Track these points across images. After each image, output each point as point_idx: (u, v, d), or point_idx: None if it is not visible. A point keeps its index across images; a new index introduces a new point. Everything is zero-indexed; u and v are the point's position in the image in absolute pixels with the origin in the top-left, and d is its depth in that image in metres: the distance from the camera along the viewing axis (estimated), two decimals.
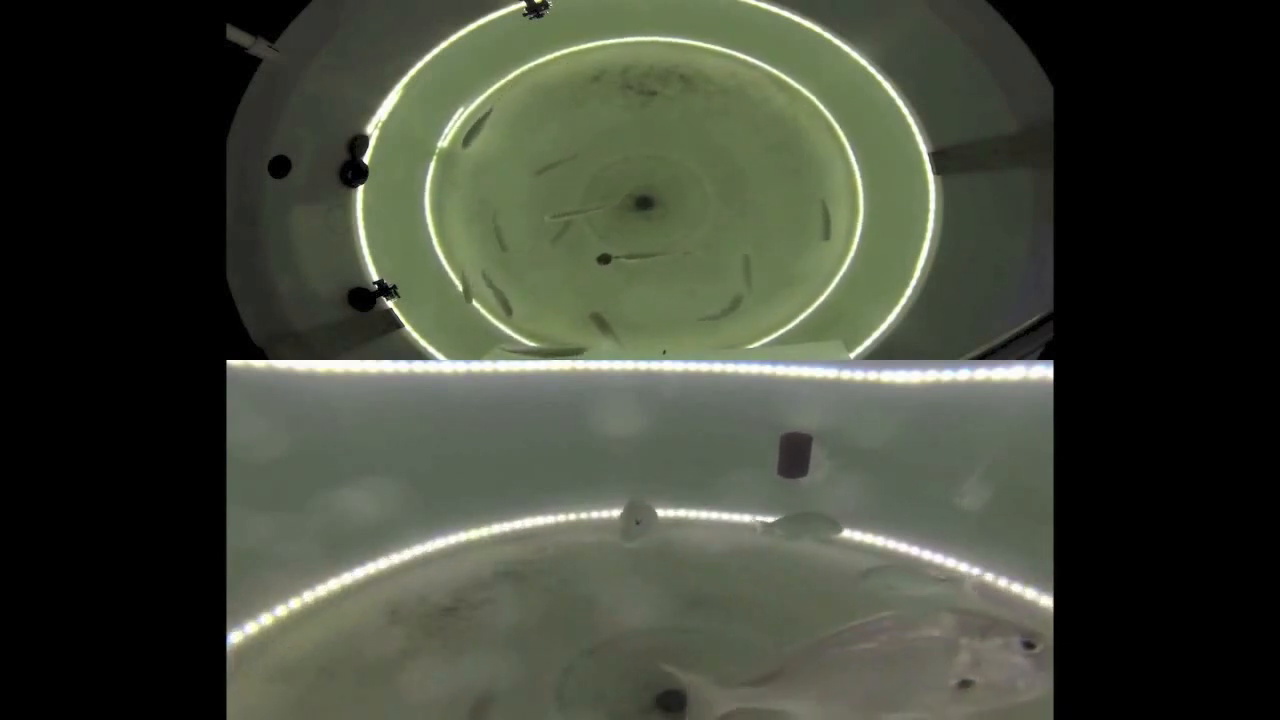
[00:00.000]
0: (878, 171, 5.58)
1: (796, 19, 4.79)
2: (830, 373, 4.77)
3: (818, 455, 3.87)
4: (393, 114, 4.95)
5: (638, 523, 3.83)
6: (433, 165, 5.74)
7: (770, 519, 4.07)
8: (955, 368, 4.33)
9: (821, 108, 5.64)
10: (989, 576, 4.57)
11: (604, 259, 5.84)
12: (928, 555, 4.74)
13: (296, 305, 4.74)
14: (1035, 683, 2.42)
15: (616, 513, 5.08)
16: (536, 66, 5.67)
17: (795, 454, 4.40)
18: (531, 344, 5.93)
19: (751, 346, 5.87)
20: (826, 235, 5.74)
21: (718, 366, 5.12)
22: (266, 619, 4.09)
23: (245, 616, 4.02)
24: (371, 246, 5.04)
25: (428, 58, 4.86)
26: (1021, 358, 2.94)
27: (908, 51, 4.66)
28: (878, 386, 4.58)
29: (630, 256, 5.83)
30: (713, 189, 5.84)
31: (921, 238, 4.93)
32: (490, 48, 5.06)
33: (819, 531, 3.87)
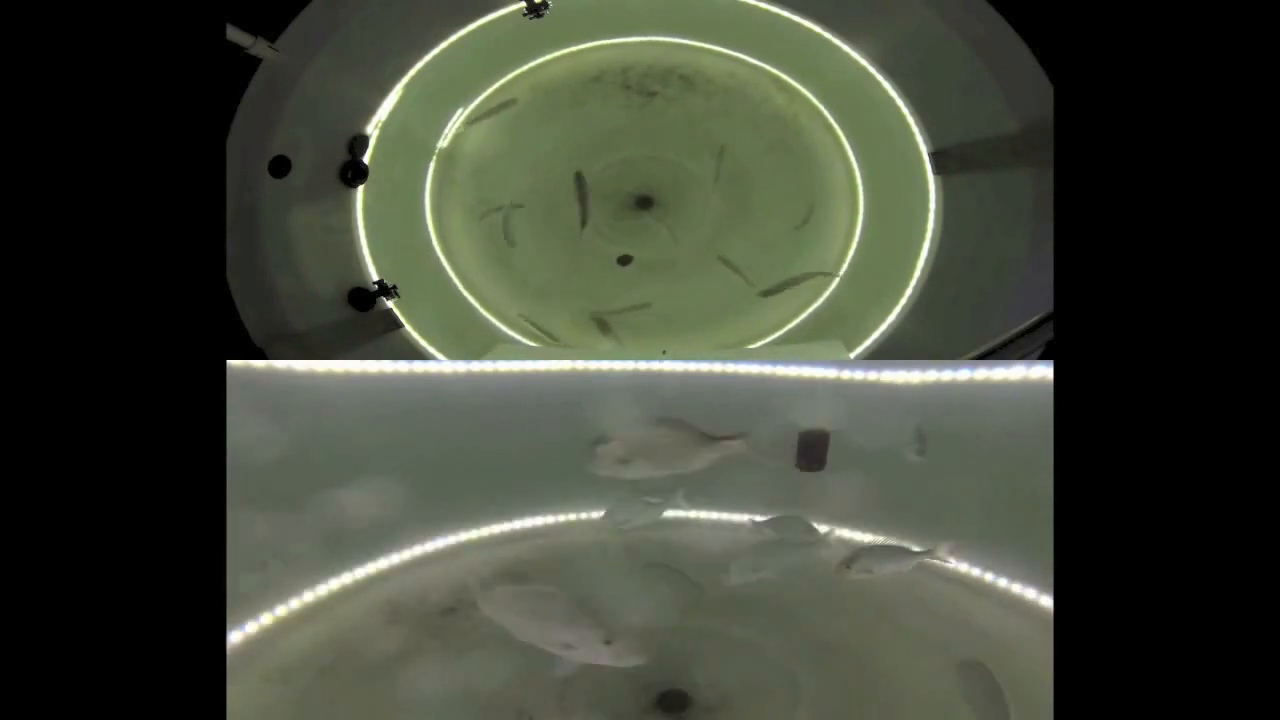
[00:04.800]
0: (878, 171, 5.58)
1: (796, 19, 4.78)
2: (830, 373, 4.77)
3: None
4: (393, 114, 4.95)
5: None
6: (433, 165, 5.74)
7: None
8: (955, 368, 4.34)
9: (821, 108, 5.64)
10: (989, 576, 4.58)
11: (624, 260, 5.83)
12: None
13: (296, 305, 4.74)
14: None
15: None
16: (536, 66, 5.67)
17: (812, 447, 4.39)
18: (532, 344, 5.93)
19: (751, 346, 5.87)
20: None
21: (718, 366, 5.12)
22: (266, 619, 4.09)
23: (245, 616, 4.02)
24: (371, 246, 5.04)
25: (428, 58, 4.85)
26: (1021, 358, 2.93)
27: (908, 51, 4.65)
28: (878, 386, 4.59)
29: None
30: (713, 189, 5.84)
31: (921, 238, 4.92)
32: (490, 48, 5.05)
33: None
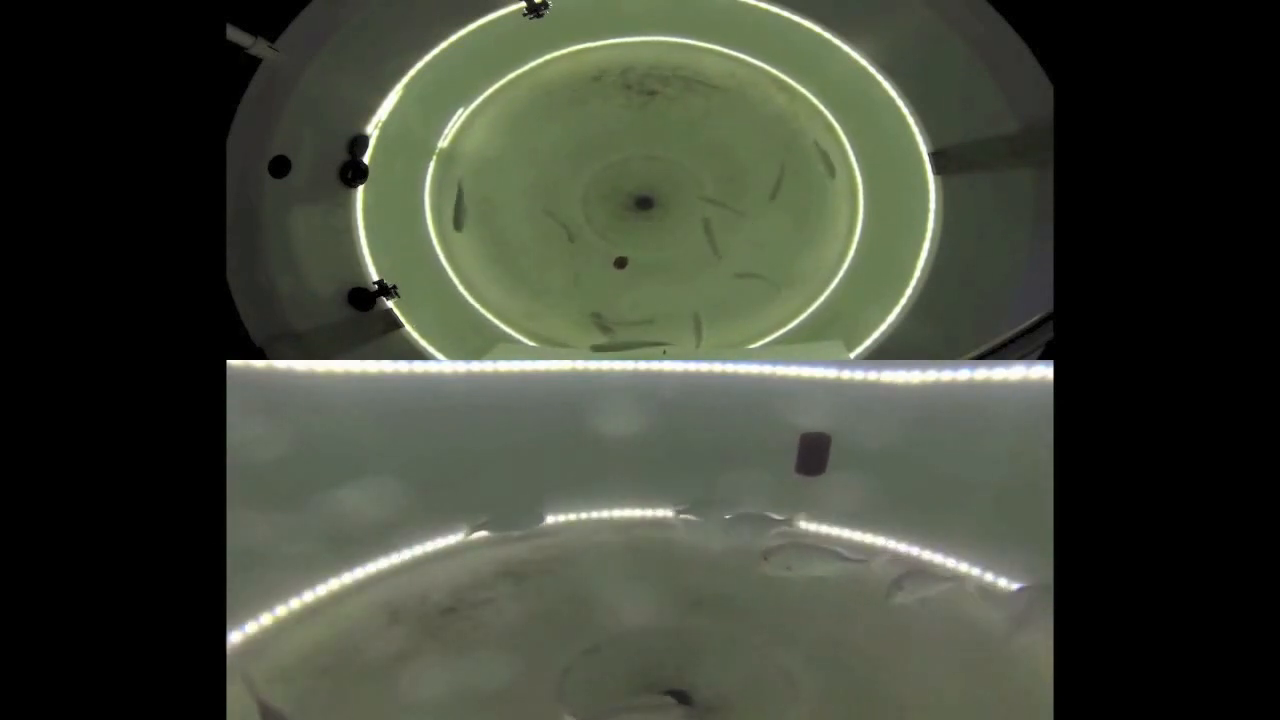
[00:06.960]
0: (878, 171, 5.58)
1: (796, 19, 4.79)
2: (830, 373, 4.77)
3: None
4: (393, 114, 4.95)
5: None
6: (432, 165, 5.74)
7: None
8: (955, 368, 4.34)
9: (821, 108, 5.64)
10: (989, 576, 4.57)
11: (620, 262, 5.81)
12: (928, 555, 4.75)
13: (296, 305, 4.74)
14: None
15: (617, 513, 5.10)
16: (536, 66, 5.67)
17: (814, 452, 4.40)
18: (533, 344, 5.93)
19: (751, 346, 5.87)
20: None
21: (718, 366, 5.12)
22: (266, 619, 4.09)
23: (245, 616, 4.02)
24: (371, 246, 5.04)
25: (428, 58, 4.85)
26: (1021, 358, 2.93)
27: (908, 51, 4.65)
28: (878, 386, 4.58)
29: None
30: (713, 189, 5.84)
31: (921, 238, 4.92)
32: (490, 48, 5.05)
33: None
